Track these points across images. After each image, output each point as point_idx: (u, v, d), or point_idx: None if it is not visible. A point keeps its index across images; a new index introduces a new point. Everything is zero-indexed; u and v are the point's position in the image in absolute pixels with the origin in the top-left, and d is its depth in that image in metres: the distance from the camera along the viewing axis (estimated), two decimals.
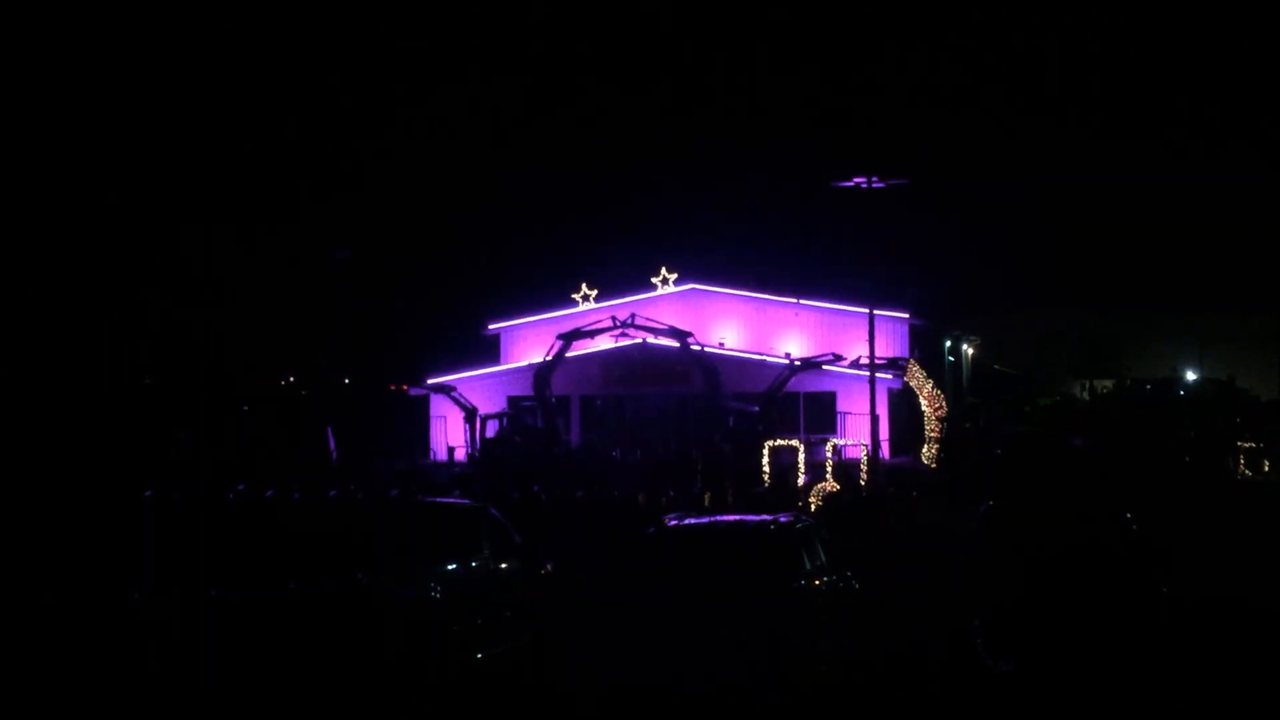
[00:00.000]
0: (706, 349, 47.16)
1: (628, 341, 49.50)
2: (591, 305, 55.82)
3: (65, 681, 14.75)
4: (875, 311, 42.39)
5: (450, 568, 16.91)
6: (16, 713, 14.14)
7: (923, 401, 47.86)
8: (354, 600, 15.49)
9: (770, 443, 37.84)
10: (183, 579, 16.40)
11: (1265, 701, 14.65)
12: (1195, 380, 68.78)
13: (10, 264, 52.64)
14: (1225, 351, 75.71)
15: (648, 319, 46.78)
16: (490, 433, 46.97)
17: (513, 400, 51.47)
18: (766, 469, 36.13)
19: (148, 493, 23.87)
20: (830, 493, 30.44)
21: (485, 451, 44.34)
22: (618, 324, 45.98)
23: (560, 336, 45.92)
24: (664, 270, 57.80)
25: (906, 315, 56.04)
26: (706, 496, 29.00)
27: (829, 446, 37.68)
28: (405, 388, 55.13)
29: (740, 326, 57.38)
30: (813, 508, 28.00)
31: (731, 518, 19.71)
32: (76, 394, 48.46)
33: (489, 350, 59.34)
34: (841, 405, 51.67)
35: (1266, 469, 43.18)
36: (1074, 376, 74.84)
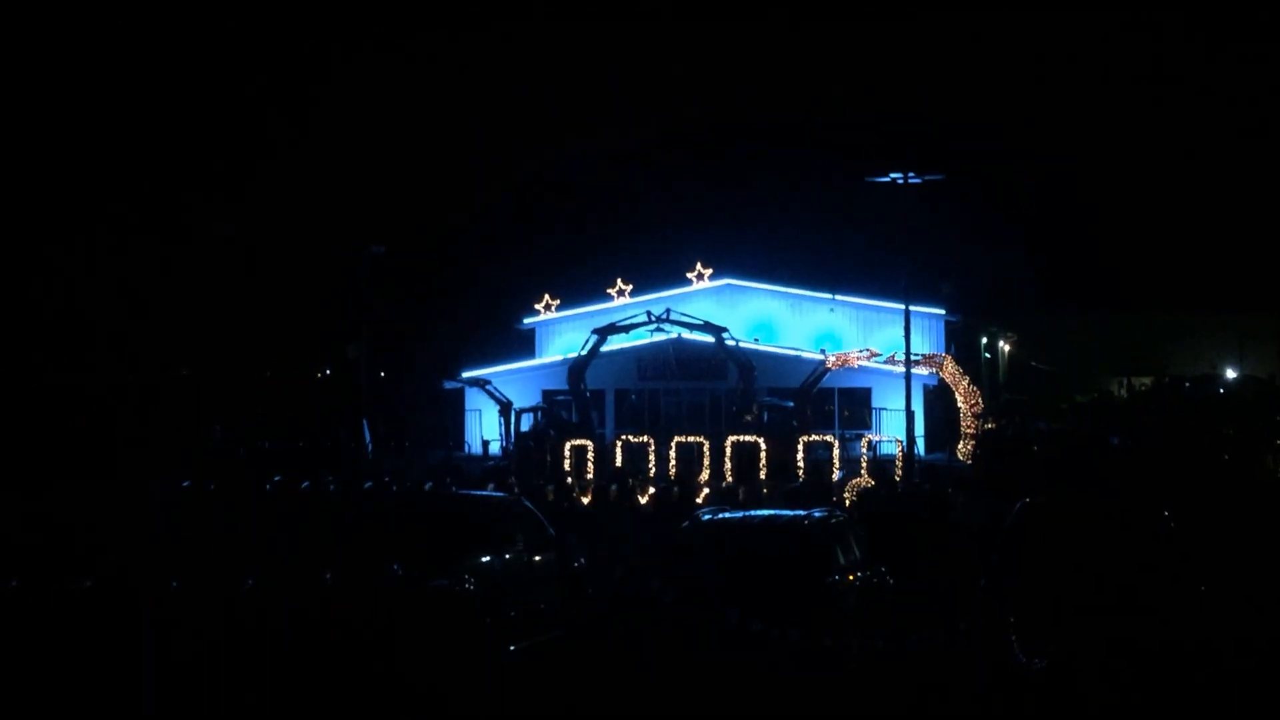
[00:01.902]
0: (741, 344, 47.08)
1: (662, 336, 49.46)
2: (627, 300, 55.84)
3: (102, 667, 14.85)
4: (911, 307, 42.18)
5: (483, 560, 16.93)
6: (56, 700, 14.25)
7: (959, 398, 47.63)
8: (388, 591, 15.54)
9: (805, 438, 37.68)
10: (218, 569, 16.48)
11: None
12: (1235, 378, 68.19)
13: (46, 255, 53.05)
14: (1266, 350, 75.10)
15: (683, 314, 46.73)
16: (525, 426, 47.04)
17: (547, 394, 51.54)
18: (801, 464, 35.99)
19: (184, 483, 24.03)
20: (865, 488, 30.27)
21: (519, 445, 44.38)
22: (653, 319, 45.95)
23: (595, 331, 45.92)
24: (699, 265, 57.74)
25: (943, 311, 55.79)
26: (740, 491, 28.90)
27: (864, 442, 37.51)
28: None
29: (775, 322, 57.28)
30: (847, 503, 27.86)
31: (765, 512, 19.66)
32: (113, 384, 48.78)
33: (524, 344, 59.49)
34: (877, 401, 51.51)
35: None
36: (1112, 374, 74.35)
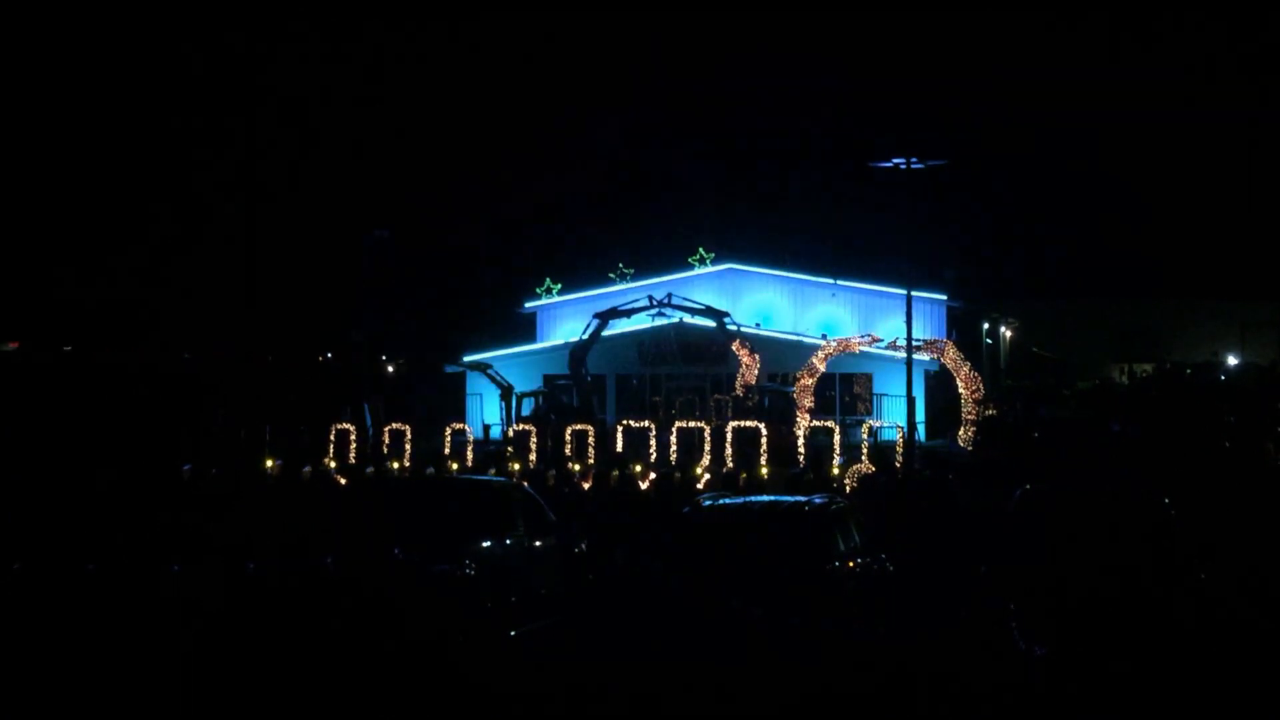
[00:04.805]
0: (743, 329, 47.09)
1: (664, 321, 49.43)
2: (628, 284, 55.83)
3: (103, 651, 14.88)
4: (913, 293, 42.13)
5: (484, 545, 16.94)
6: (58, 678, 14.28)
7: (960, 384, 47.62)
8: (389, 575, 15.55)
9: (805, 423, 37.67)
10: (219, 553, 16.50)
11: None
12: (1236, 365, 68.23)
13: (56, 244, 53.07)
14: (1267, 337, 75.10)
15: (684, 298, 46.69)
16: (526, 410, 47.04)
17: (549, 379, 51.53)
18: (801, 450, 35.97)
19: (185, 467, 24.06)
20: (865, 474, 30.27)
21: (520, 429, 44.34)
22: (654, 303, 45.91)
23: (597, 315, 45.88)
24: (701, 249, 57.73)
25: (944, 297, 55.77)
26: (741, 477, 28.89)
27: (865, 428, 37.53)
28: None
29: (777, 307, 57.26)
30: (848, 489, 27.86)
31: (766, 499, 19.64)
32: (117, 371, 48.79)
33: (526, 328, 59.46)
34: (878, 387, 51.51)
35: None
36: (1113, 360, 74.39)
